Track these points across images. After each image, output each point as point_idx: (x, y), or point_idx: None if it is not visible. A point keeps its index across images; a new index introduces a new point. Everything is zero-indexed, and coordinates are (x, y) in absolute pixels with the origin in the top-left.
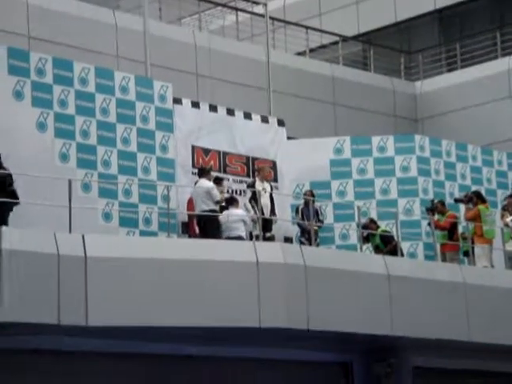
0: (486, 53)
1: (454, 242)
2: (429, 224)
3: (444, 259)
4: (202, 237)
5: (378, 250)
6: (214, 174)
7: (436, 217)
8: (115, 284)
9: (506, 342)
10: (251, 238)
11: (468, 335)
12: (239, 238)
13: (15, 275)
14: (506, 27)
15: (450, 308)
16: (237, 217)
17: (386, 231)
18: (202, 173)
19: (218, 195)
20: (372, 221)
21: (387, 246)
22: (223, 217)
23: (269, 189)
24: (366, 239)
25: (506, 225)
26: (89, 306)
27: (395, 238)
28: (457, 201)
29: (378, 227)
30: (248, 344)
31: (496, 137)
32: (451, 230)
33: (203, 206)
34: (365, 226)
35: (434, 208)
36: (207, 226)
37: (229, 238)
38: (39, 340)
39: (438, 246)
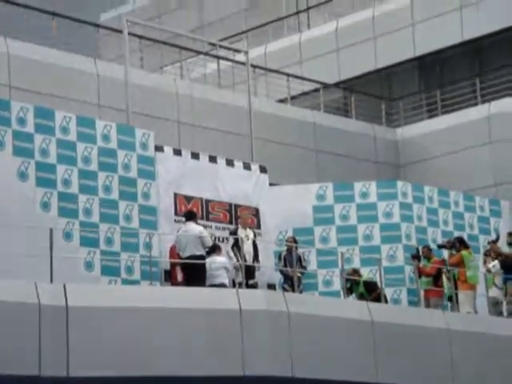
0: (466, 99)
1: (438, 289)
2: (413, 271)
3: (428, 305)
4: (187, 283)
5: (362, 298)
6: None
7: (422, 263)
8: (97, 334)
9: None
10: (234, 286)
11: (452, 381)
12: (222, 285)
13: None
14: (485, 74)
15: (434, 354)
16: (220, 264)
17: (368, 280)
18: (190, 217)
19: (210, 241)
20: (355, 271)
21: (371, 293)
22: (206, 264)
23: (252, 236)
24: (349, 290)
25: (489, 270)
26: (70, 357)
27: (379, 284)
28: (440, 247)
29: (360, 276)
30: None
31: (478, 183)
32: (436, 276)
33: (195, 251)
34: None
35: (419, 255)
36: (196, 273)
37: (212, 285)
38: None
39: (422, 292)
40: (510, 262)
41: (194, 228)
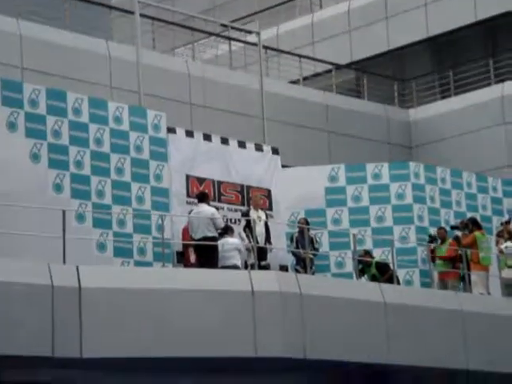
0: (479, 80)
1: (454, 270)
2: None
3: (443, 287)
4: (200, 264)
5: (374, 279)
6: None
7: (432, 245)
8: (110, 315)
9: (504, 370)
10: (246, 267)
11: (465, 363)
12: (234, 266)
13: (9, 307)
14: (498, 54)
15: (447, 336)
16: (232, 245)
17: (380, 261)
18: (203, 198)
19: (222, 222)
20: (366, 252)
21: (384, 275)
22: (219, 246)
23: (264, 217)
24: (361, 272)
25: (501, 251)
26: (83, 338)
27: (391, 266)
28: (453, 228)
29: (372, 258)
30: (245, 374)
31: (490, 163)
32: (453, 258)
33: (207, 233)
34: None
35: (435, 237)
36: (208, 254)
37: (224, 266)
38: (33, 372)
39: (436, 274)
40: None
41: (207, 209)
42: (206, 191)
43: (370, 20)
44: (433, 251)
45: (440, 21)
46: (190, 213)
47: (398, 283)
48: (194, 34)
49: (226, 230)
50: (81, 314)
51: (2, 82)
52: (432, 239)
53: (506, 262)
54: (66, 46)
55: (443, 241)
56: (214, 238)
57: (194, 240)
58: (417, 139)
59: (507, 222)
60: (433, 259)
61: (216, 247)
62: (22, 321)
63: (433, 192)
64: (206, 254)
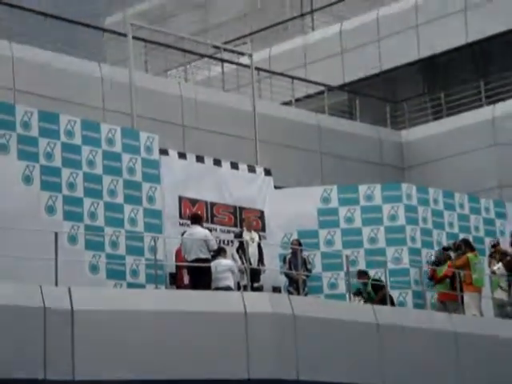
0: (471, 101)
1: (453, 292)
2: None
3: (443, 309)
4: (193, 286)
5: (369, 297)
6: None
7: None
8: (102, 337)
9: None
10: (239, 289)
11: None
12: (227, 288)
13: (1, 330)
14: (489, 76)
15: (440, 357)
16: (225, 267)
17: (376, 279)
18: (196, 220)
19: (215, 244)
20: (362, 272)
21: (378, 293)
22: (212, 267)
23: (257, 238)
24: (358, 293)
25: (493, 272)
26: (75, 360)
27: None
28: (445, 249)
29: (369, 278)
30: None
31: (482, 184)
32: (451, 279)
33: (200, 255)
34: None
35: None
36: (201, 276)
37: (217, 288)
38: None
39: (431, 295)
40: None
41: (200, 231)
42: (199, 213)
43: (362, 42)
44: (434, 271)
45: (431, 43)
46: (183, 234)
47: (393, 304)
48: (186, 55)
49: (219, 252)
50: (73, 336)
51: None
52: (447, 249)
53: (498, 283)
54: (58, 68)
55: (444, 261)
56: (206, 260)
57: (187, 261)
58: (409, 160)
59: (494, 246)
60: (434, 279)
61: (209, 269)
62: (14, 343)
63: (425, 213)
64: (198, 276)
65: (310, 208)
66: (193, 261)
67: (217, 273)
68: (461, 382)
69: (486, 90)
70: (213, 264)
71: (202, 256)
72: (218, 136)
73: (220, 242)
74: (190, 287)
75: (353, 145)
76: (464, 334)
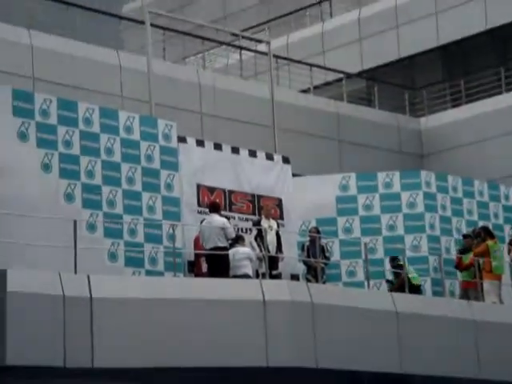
0: (490, 88)
1: (475, 280)
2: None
3: (466, 297)
4: (211, 274)
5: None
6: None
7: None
8: (121, 325)
9: None
10: (257, 276)
11: (477, 372)
12: (246, 276)
13: (20, 317)
14: (509, 62)
15: (459, 345)
16: (243, 255)
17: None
18: (214, 208)
19: (233, 232)
20: (395, 258)
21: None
22: (230, 255)
23: (275, 226)
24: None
25: None
26: (95, 348)
27: (406, 273)
28: (465, 236)
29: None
30: (256, 383)
31: (502, 171)
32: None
33: (218, 243)
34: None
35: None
36: (219, 264)
37: (235, 276)
38: (44, 382)
39: (449, 283)
40: None
41: (218, 219)
42: (218, 201)
43: (381, 29)
44: (460, 259)
45: (451, 29)
46: (201, 222)
47: (420, 292)
48: (204, 43)
49: (237, 240)
50: (92, 324)
51: (14, 92)
52: (466, 237)
53: None
54: (77, 56)
55: (470, 249)
56: (224, 248)
57: (205, 250)
58: (428, 148)
59: None
60: (460, 267)
61: (227, 257)
62: (34, 331)
63: (444, 201)
64: (216, 264)
65: (329, 196)
66: (211, 249)
67: (235, 261)
68: (480, 369)
69: (505, 77)
70: (231, 252)
71: (220, 244)
72: (236, 124)
73: (238, 230)
74: (208, 275)
75: (371, 132)
76: (483, 321)
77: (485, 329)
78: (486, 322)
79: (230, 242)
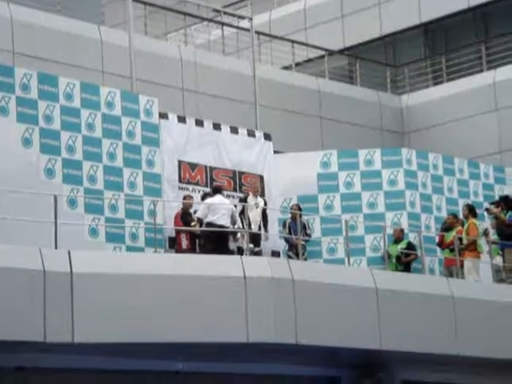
0: (472, 66)
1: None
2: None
3: (449, 274)
4: (203, 249)
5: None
6: (197, 188)
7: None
8: (102, 300)
9: (495, 356)
10: (239, 253)
11: (457, 349)
12: (222, 226)
13: (0, 292)
14: (490, 40)
15: (438, 322)
16: (223, 205)
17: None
18: (219, 190)
19: (238, 217)
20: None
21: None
22: (211, 200)
23: (262, 204)
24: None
25: (486, 234)
26: (75, 323)
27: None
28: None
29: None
30: (236, 359)
31: (482, 150)
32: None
33: (220, 220)
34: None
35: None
36: (220, 240)
37: (210, 224)
38: (25, 357)
39: (429, 260)
40: (509, 230)
41: (227, 202)
42: (220, 184)
43: (363, 6)
44: (442, 237)
45: (432, 7)
46: (203, 198)
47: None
48: (186, 18)
49: (220, 190)
50: (72, 299)
51: None
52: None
53: (497, 248)
54: (57, 30)
55: (452, 227)
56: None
57: (210, 224)
58: (409, 125)
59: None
60: (442, 245)
61: (227, 238)
62: (14, 306)
63: (425, 178)
64: (219, 241)
65: (310, 173)
66: (219, 225)
67: (215, 208)
68: (458, 347)
69: (487, 55)
70: (210, 200)
71: (229, 224)
72: (217, 100)
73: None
74: (188, 251)
75: (353, 109)
76: (463, 298)
77: (464, 306)
78: (465, 299)
79: (208, 192)
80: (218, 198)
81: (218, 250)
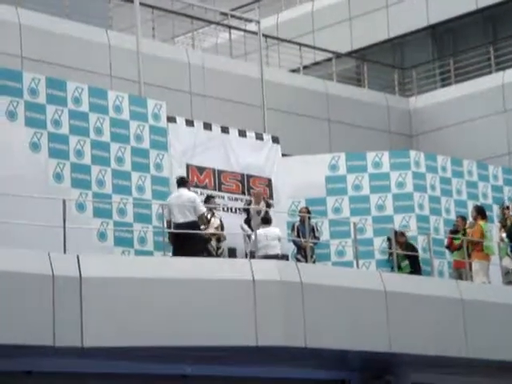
0: (480, 68)
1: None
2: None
3: (458, 276)
4: (179, 249)
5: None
6: (204, 191)
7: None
8: (111, 304)
9: (504, 358)
10: (247, 257)
11: (466, 351)
12: (276, 256)
13: (9, 297)
14: (499, 42)
15: (447, 324)
16: (274, 235)
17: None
18: (183, 182)
19: (203, 208)
20: (400, 233)
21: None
22: (262, 235)
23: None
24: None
25: (502, 239)
26: (84, 327)
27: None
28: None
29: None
30: (245, 363)
31: (491, 151)
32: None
33: (179, 218)
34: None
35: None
36: (190, 240)
37: (267, 256)
38: (33, 362)
39: (438, 263)
40: None
41: (187, 194)
42: (185, 176)
43: (371, 8)
44: (451, 240)
45: (440, 8)
46: (205, 201)
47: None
48: (193, 22)
49: (267, 221)
50: (81, 303)
51: (2, 71)
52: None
53: (506, 250)
54: (65, 34)
55: (459, 231)
56: (194, 223)
57: (174, 224)
58: (417, 128)
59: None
60: (451, 247)
61: (195, 234)
62: (23, 310)
63: (433, 180)
64: (187, 240)
65: (318, 175)
66: (181, 224)
67: (268, 241)
68: (468, 349)
69: (495, 57)
70: (263, 232)
71: (182, 220)
72: (225, 103)
73: (228, 209)
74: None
75: (361, 112)
76: (472, 301)
77: (473, 308)
78: (475, 302)
79: (261, 221)
80: (177, 194)
81: (187, 250)
